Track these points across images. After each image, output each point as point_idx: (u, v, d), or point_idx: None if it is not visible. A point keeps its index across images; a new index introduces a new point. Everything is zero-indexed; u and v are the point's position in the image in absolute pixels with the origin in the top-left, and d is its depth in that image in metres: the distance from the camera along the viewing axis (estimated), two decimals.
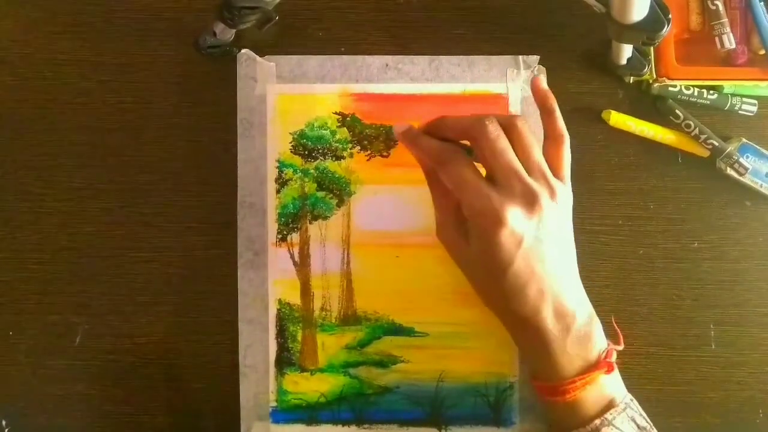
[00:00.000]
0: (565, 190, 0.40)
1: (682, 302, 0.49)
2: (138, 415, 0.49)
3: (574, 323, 0.40)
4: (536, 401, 0.48)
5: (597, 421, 0.39)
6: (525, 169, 0.39)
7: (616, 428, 0.39)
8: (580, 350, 0.40)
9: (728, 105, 0.48)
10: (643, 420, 0.41)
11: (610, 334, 0.43)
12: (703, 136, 0.48)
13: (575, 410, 0.40)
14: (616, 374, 0.42)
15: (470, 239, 0.40)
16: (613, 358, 0.41)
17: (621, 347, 0.42)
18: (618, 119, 0.48)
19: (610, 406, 0.40)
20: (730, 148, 0.48)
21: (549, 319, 0.39)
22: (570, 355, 0.40)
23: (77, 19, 0.50)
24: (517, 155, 0.39)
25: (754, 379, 0.49)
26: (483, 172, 0.41)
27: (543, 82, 0.43)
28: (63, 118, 0.50)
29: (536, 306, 0.39)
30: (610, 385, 0.41)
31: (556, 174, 0.40)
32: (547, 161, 0.40)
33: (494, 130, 0.39)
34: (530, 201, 0.38)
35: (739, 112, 0.48)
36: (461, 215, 0.40)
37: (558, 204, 0.39)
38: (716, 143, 0.48)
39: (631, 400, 0.41)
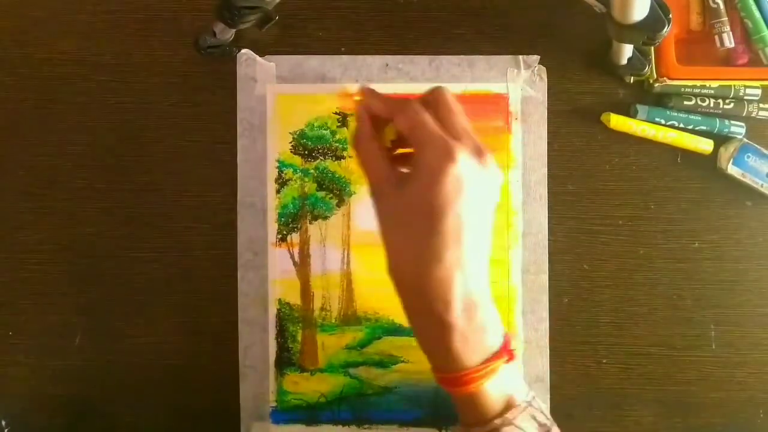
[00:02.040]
0: (491, 156, 0.38)
1: (683, 302, 0.49)
2: (138, 415, 0.49)
3: (477, 312, 0.38)
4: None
5: (497, 421, 0.38)
6: (452, 135, 0.37)
7: (517, 427, 0.38)
8: (480, 339, 0.38)
9: (732, 94, 0.49)
10: (544, 417, 0.39)
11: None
12: (719, 100, 0.48)
13: (477, 405, 0.39)
14: (516, 369, 0.40)
15: (411, 181, 0.37)
16: (512, 346, 0.39)
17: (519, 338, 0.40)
18: (618, 121, 0.48)
19: (510, 404, 0.39)
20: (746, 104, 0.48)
21: (457, 309, 0.37)
22: (471, 345, 0.38)
23: (77, 19, 0.50)
24: (443, 123, 0.37)
25: (754, 379, 0.49)
26: None
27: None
28: (63, 118, 0.50)
29: (447, 284, 0.37)
30: (512, 380, 0.39)
31: None
32: None
33: (413, 106, 0.38)
34: (478, 152, 0.37)
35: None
36: (395, 171, 0.39)
37: (485, 163, 0.37)
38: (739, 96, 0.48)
39: (533, 397, 0.40)
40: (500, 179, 0.38)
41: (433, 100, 0.39)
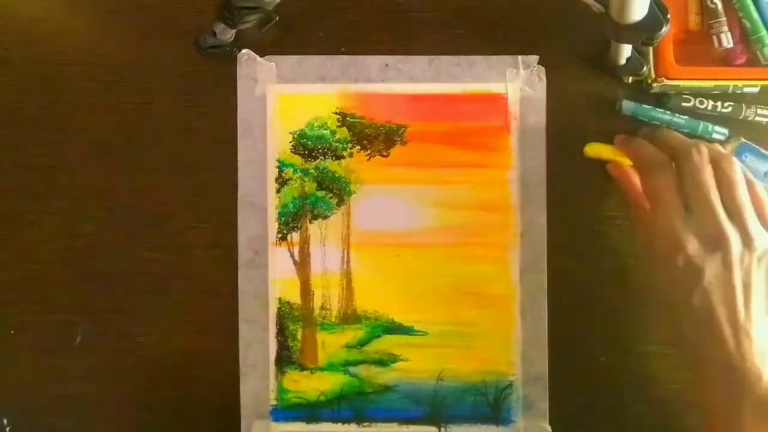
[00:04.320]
0: (764, 237, 0.38)
1: None
2: (139, 413, 0.50)
3: (756, 388, 0.36)
4: (536, 399, 0.48)
5: None
6: (726, 209, 0.38)
7: None
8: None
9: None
10: None
11: None
12: (717, 103, 0.48)
13: None
14: None
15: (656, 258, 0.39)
16: None
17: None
18: (594, 150, 0.48)
19: None
20: (744, 107, 0.48)
21: (720, 370, 0.37)
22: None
23: (77, 19, 0.50)
24: (721, 192, 0.39)
25: None
26: None
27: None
28: (63, 118, 0.50)
29: (713, 351, 0.37)
30: None
31: (761, 220, 0.39)
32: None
33: (701, 160, 0.39)
34: (718, 239, 0.37)
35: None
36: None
37: (755, 253, 0.37)
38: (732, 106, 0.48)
39: None
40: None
41: (720, 167, 0.39)
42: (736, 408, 0.36)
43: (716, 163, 0.39)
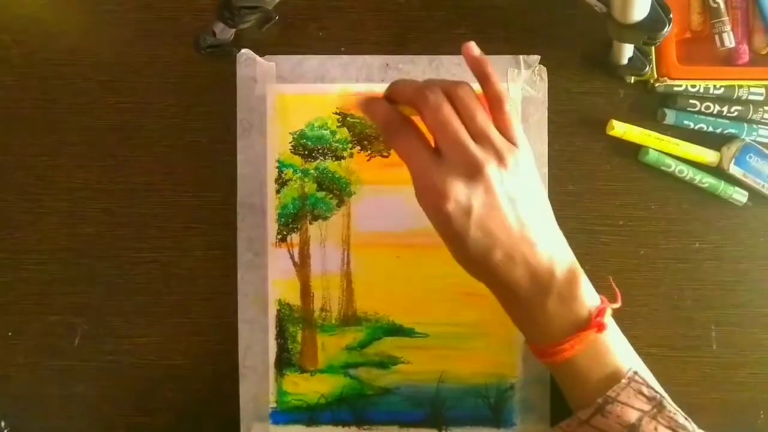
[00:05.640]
0: (515, 151, 0.38)
1: (683, 302, 0.49)
2: (138, 415, 0.49)
3: (553, 282, 0.38)
4: (537, 401, 0.48)
5: (600, 400, 0.38)
6: (471, 135, 0.38)
7: (622, 404, 0.38)
8: (564, 310, 0.38)
9: (735, 95, 0.48)
10: (652, 390, 0.39)
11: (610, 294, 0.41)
12: (724, 108, 0.48)
13: (577, 381, 0.39)
14: (618, 339, 0.40)
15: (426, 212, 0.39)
16: (606, 317, 0.39)
17: (617, 304, 0.40)
18: (624, 130, 0.48)
19: (614, 378, 0.38)
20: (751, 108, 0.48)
21: (522, 282, 0.38)
22: (554, 316, 0.38)
23: (77, 19, 0.50)
24: (463, 122, 0.38)
25: (755, 380, 0.49)
26: None
27: (475, 47, 0.39)
28: (62, 118, 0.50)
29: (506, 271, 0.38)
30: (613, 351, 0.39)
31: (506, 136, 0.39)
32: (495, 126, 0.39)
33: (435, 99, 0.38)
34: (474, 170, 0.37)
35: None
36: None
37: (509, 167, 0.38)
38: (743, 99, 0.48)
39: (635, 372, 0.39)
40: (525, 157, 0.39)
41: (456, 97, 0.38)
42: (541, 307, 0.38)
43: (452, 95, 0.38)
